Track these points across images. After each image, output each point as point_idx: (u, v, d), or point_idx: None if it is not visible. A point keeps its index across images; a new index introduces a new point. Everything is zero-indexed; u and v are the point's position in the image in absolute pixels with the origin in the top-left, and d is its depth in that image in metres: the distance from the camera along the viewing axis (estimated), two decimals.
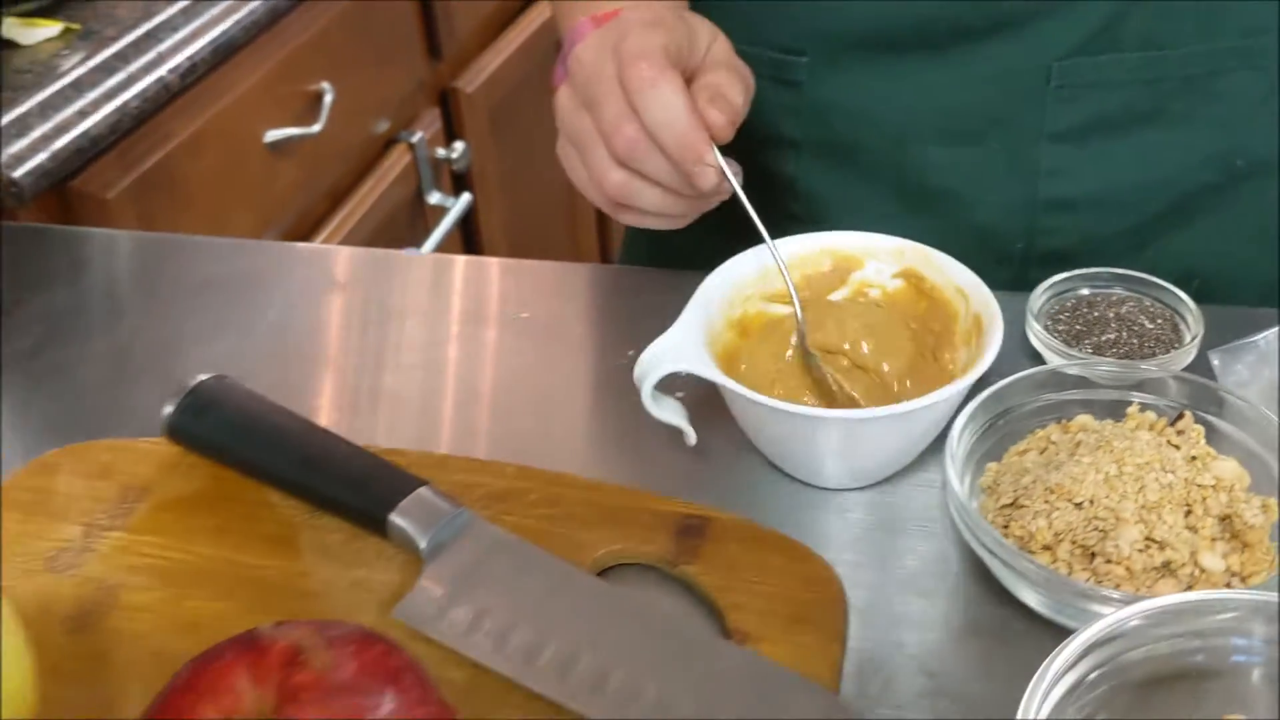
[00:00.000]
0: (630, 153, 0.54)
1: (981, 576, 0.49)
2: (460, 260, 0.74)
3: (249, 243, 0.80)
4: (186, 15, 1.04)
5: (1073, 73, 0.63)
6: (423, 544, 0.50)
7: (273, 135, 1.15)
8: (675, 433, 0.57)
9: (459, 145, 1.55)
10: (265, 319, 0.69)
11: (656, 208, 0.56)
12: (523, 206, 1.81)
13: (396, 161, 1.46)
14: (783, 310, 0.58)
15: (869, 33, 0.65)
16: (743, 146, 0.71)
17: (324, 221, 1.32)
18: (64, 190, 0.91)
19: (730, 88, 0.56)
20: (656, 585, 0.50)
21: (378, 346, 0.66)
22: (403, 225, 1.50)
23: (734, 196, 0.56)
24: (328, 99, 1.22)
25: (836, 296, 0.59)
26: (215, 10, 1.06)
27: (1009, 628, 0.47)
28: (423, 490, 0.51)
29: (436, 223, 1.54)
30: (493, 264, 0.73)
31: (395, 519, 0.50)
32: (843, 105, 0.68)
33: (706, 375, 0.53)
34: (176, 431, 0.56)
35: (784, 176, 0.71)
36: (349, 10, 1.29)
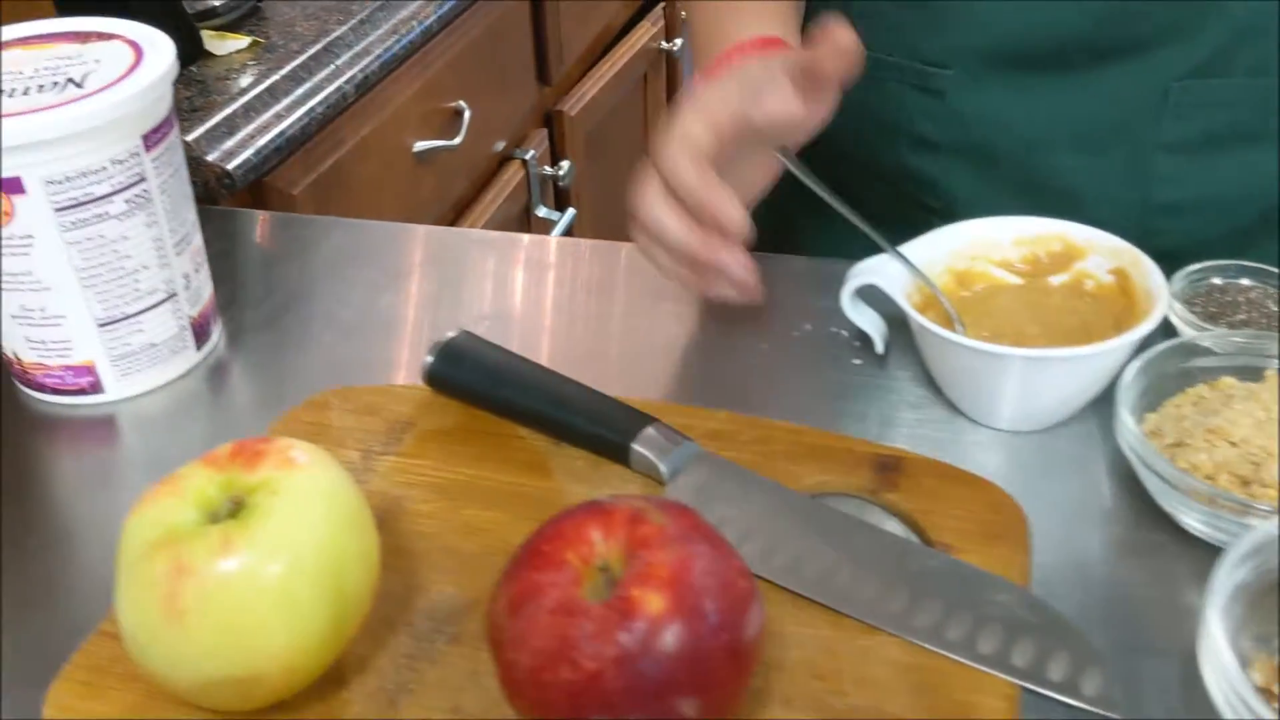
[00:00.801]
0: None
1: (1134, 506, 0.58)
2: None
3: (438, 230, 0.89)
4: (356, 33, 1.15)
5: (1187, 93, 0.72)
6: (663, 468, 0.59)
7: (420, 146, 1.25)
8: (862, 389, 0.66)
9: (565, 164, 1.66)
10: (467, 291, 0.78)
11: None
12: (612, 221, 1.91)
13: (512, 177, 1.56)
14: (1009, 280, 0.67)
15: (1010, 52, 0.75)
16: (888, 146, 0.80)
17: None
18: (259, 185, 1.01)
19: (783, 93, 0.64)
20: (861, 511, 0.59)
21: (577, 315, 0.76)
22: None
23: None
24: (467, 115, 1.32)
25: (1057, 280, 0.67)
26: (379, 31, 1.17)
27: (1164, 549, 0.56)
28: (655, 425, 0.60)
29: (542, 234, 1.64)
30: None
31: (637, 448, 0.59)
32: (981, 114, 0.77)
33: (899, 300, 0.62)
34: (435, 377, 0.65)
35: (925, 174, 0.80)
36: (480, 37, 1.40)
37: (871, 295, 0.66)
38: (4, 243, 0.64)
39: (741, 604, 0.43)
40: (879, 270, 0.65)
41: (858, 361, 0.69)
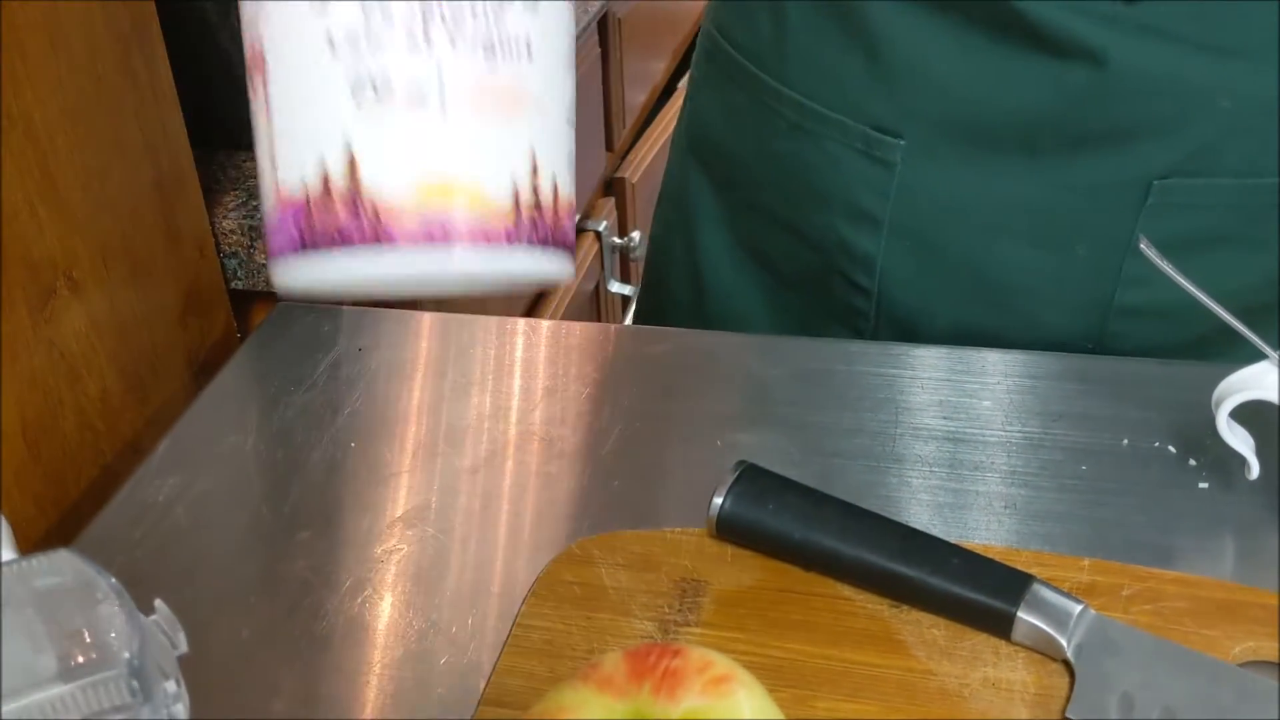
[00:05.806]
0: None
1: None
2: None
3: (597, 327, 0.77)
4: None
5: (1170, 192, 0.64)
6: (1064, 642, 0.47)
7: None
8: (1224, 520, 0.55)
9: (635, 234, 1.55)
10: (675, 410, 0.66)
11: None
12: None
13: (587, 252, 1.45)
14: None
15: (973, 127, 0.65)
16: (820, 213, 0.71)
17: (532, 312, 1.30)
18: None
19: None
20: None
21: (833, 431, 0.64)
22: (587, 314, 1.49)
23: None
24: None
25: None
26: None
27: None
28: (1040, 585, 0.49)
29: (612, 310, 1.53)
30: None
31: (1026, 617, 0.48)
32: (933, 193, 0.68)
33: None
34: (729, 522, 0.53)
35: (859, 250, 0.71)
36: None
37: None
38: None
39: None
40: (1258, 382, 0.54)
41: (1204, 485, 0.58)
